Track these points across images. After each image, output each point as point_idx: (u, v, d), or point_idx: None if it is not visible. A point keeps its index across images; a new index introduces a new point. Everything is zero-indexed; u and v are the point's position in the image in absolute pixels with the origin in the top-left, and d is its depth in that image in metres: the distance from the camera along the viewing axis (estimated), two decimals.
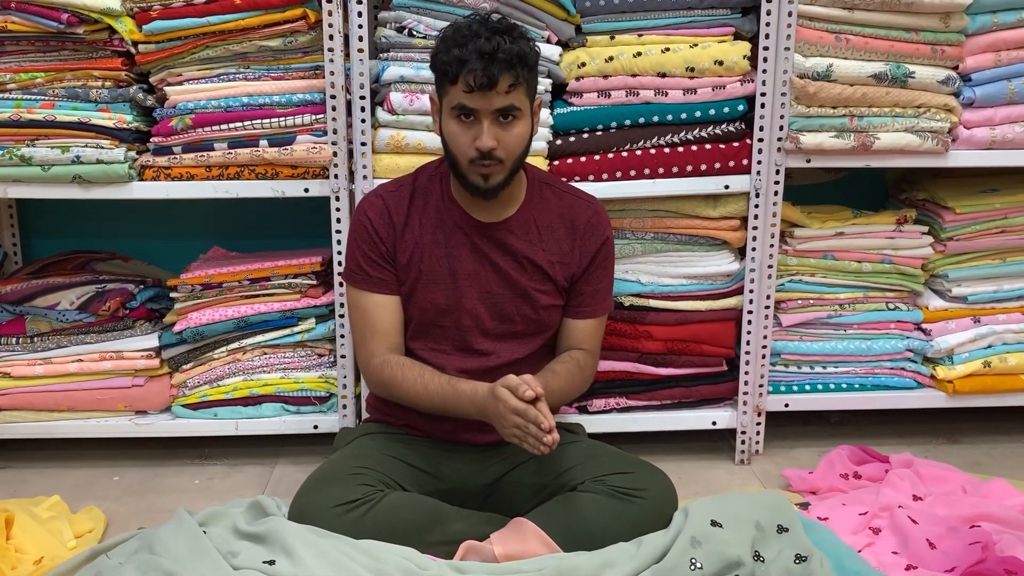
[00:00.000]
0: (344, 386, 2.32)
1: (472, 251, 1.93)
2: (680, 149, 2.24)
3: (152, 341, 2.34)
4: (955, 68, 2.26)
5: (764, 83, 2.21)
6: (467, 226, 1.93)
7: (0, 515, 1.96)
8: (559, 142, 2.24)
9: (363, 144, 2.20)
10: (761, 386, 2.38)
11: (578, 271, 1.97)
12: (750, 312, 2.34)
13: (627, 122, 2.25)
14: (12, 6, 2.11)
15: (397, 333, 1.96)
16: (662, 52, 2.20)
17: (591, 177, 2.24)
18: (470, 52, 1.75)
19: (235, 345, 2.34)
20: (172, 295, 2.33)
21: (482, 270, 1.93)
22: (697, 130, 2.24)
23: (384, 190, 1.99)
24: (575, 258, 1.97)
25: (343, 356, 2.32)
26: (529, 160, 2.18)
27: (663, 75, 2.21)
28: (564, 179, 2.20)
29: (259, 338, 2.34)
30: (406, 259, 1.94)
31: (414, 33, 2.16)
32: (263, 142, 2.19)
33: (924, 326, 2.43)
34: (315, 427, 2.35)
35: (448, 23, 2.14)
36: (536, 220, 1.96)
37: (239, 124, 2.19)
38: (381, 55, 2.20)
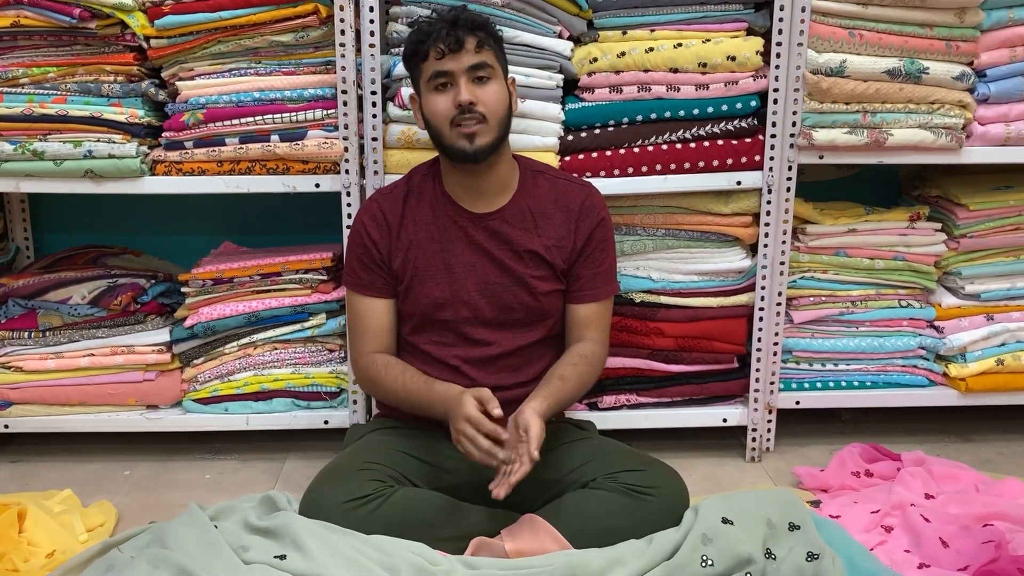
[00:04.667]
0: (354, 381, 2.32)
1: (467, 243, 1.96)
2: (692, 145, 2.24)
3: (163, 336, 2.35)
4: (970, 64, 2.24)
5: (777, 79, 2.20)
6: (461, 219, 1.96)
7: (13, 509, 1.98)
8: (570, 138, 2.24)
9: (374, 139, 2.20)
10: (772, 383, 2.37)
11: (575, 254, 1.98)
12: (761, 309, 2.33)
13: (639, 118, 2.24)
14: (25, 1, 2.11)
15: (386, 334, 2.01)
16: (674, 47, 2.19)
17: (602, 173, 2.23)
18: (435, 26, 1.88)
19: (246, 340, 2.34)
20: (183, 290, 2.33)
21: (478, 261, 1.96)
22: (709, 126, 2.23)
23: (379, 194, 2.05)
24: (571, 241, 1.98)
25: None
26: (540, 155, 2.19)
27: (675, 70, 2.21)
28: (575, 174, 2.20)
29: (270, 333, 2.34)
30: (401, 259, 1.97)
31: None
32: (274, 137, 2.19)
33: (937, 323, 2.42)
34: (325, 422, 2.36)
35: None
36: (530, 207, 1.98)
37: (250, 119, 2.19)
38: (392, 50, 2.20)
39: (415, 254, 1.97)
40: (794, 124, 2.22)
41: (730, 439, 2.47)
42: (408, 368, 1.96)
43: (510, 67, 2.16)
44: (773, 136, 2.23)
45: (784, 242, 2.29)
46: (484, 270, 1.96)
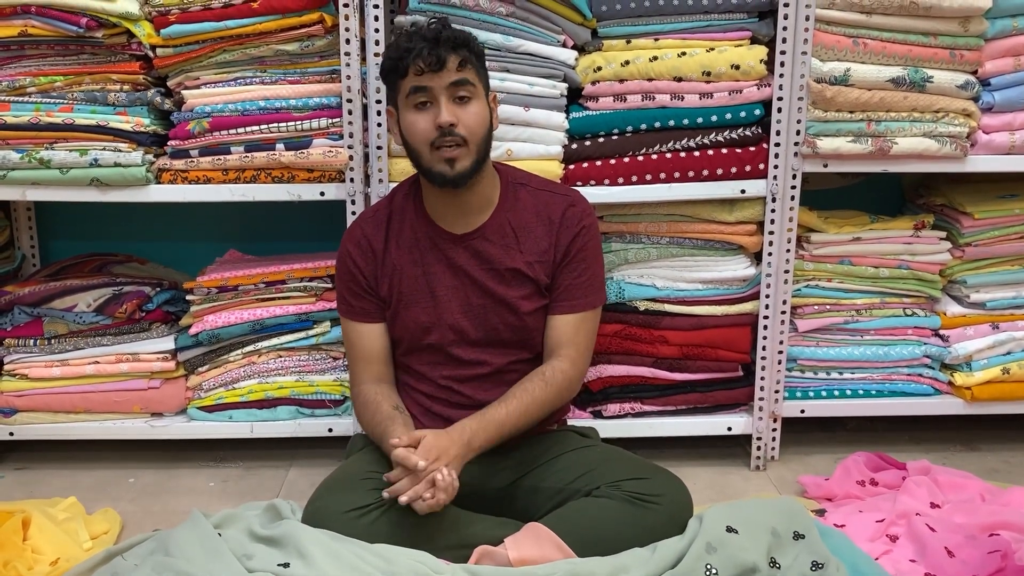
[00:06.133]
0: None
1: (448, 266, 1.93)
2: (696, 153, 2.24)
3: (168, 343, 2.35)
4: (974, 72, 2.24)
5: (781, 87, 2.20)
6: (442, 241, 1.94)
7: (17, 516, 1.98)
8: (575, 146, 2.24)
9: (379, 148, 2.20)
10: (777, 392, 2.36)
11: (556, 266, 1.94)
12: (766, 317, 2.32)
13: (643, 126, 2.24)
14: (32, 10, 2.12)
15: (379, 360, 2.00)
16: (678, 56, 2.20)
17: (607, 181, 2.23)
18: (416, 41, 1.81)
19: (250, 348, 2.34)
20: (188, 298, 2.34)
21: (460, 284, 1.93)
22: (713, 134, 2.24)
23: (364, 218, 2.03)
24: (552, 254, 1.94)
25: None
26: (544, 164, 2.20)
27: (679, 79, 2.21)
28: (579, 183, 2.20)
29: (274, 341, 2.34)
30: (387, 285, 1.96)
31: None
32: (279, 146, 2.20)
33: (942, 332, 2.41)
34: (329, 430, 2.36)
35: (464, 27, 2.16)
36: (511, 223, 1.94)
37: (256, 128, 2.19)
38: None
39: (399, 279, 1.95)
40: (798, 133, 2.22)
41: (735, 448, 2.47)
42: (380, 410, 1.92)
43: (516, 76, 2.18)
44: (777, 145, 2.23)
45: (788, 250, 2.29)
46: (466, 292, 1.93)
